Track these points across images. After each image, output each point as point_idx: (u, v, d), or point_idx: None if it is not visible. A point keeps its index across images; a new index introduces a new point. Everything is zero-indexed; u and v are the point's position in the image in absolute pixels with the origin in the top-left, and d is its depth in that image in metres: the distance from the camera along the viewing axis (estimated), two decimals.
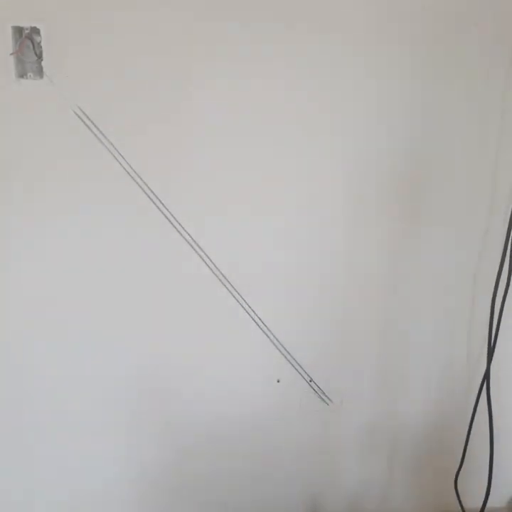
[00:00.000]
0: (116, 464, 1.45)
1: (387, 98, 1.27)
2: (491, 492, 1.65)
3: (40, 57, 1.14)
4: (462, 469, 1.54)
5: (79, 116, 1.17)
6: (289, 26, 1.19)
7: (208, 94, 1.21)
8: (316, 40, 1.20)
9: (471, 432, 1.48)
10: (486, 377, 1.41)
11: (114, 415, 1.40)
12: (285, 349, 1.40)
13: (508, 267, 1.32)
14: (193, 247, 1.29)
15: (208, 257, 1.31)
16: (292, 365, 1.42)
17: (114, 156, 1.21)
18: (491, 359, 1.40)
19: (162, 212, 1.26)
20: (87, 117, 1.18)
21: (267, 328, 1.38)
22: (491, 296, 1.35)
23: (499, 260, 1.33)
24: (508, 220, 1.28)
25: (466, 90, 1.28)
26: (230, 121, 1.23)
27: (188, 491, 1.52)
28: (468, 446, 1.50)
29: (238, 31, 1.18)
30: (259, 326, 1.37)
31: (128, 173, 1.22)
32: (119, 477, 1.46)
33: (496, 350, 1.40)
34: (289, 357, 1.41)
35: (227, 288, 1.33)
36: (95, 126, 1.19)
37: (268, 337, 1.39)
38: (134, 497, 1.49)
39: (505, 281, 1.34)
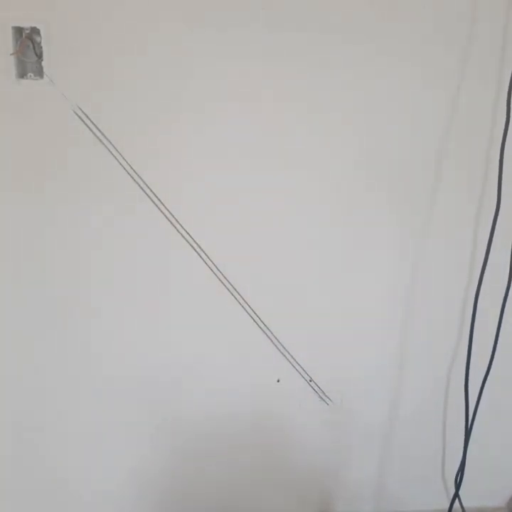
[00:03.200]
0: (115, 464, 1.45)
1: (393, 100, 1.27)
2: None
3: (40, 57, 1.14)
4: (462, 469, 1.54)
5: (79, 116, 1.17)
6: (290, 27, 1.19)
7: (208, 94, 1.21)
8: (319, 39, 1.20)
9: (472, 432, 1.48)
10: (486, 373, 1.43)
11: (114, 415, 1.41)
12: (285, 349, 1.41)
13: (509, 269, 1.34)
14: (193, 247, 1.29)
15: (208, 257, 1.31)
16: (292, 365, 1.42)
17: (114, 156, 1.21)
18: (492, 360, 1.41)
19: (162, 212, 1.26)
20: (87, 117, 1.18)
21: (267, 328, 1.38)
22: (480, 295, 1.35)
23: (499, 260, 1.34)
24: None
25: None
26: (230, 122, 1.23)
27: (188, 491, 1.52)
28: (468, 446, 1.50)
29: (239, 32, 1.18)
30: (259, 326, 1.37)
31: (128, 173, 1.22)
32: (117, 477, 1.47)
33: (496, 350, 1.40)
34: (289, 357, 1.41)
35: (227, 288, 1.33)
36: (95, 126, 1.19)
37: (268, 337, 1.39)
38: (133, 497, 1.49)
39: (507, 280, 1.35)
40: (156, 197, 1.25)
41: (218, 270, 1.31)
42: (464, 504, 1.56)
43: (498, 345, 1.40)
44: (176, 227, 1.27)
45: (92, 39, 1.14)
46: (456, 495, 1.55)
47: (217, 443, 1.48)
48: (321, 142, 1.28)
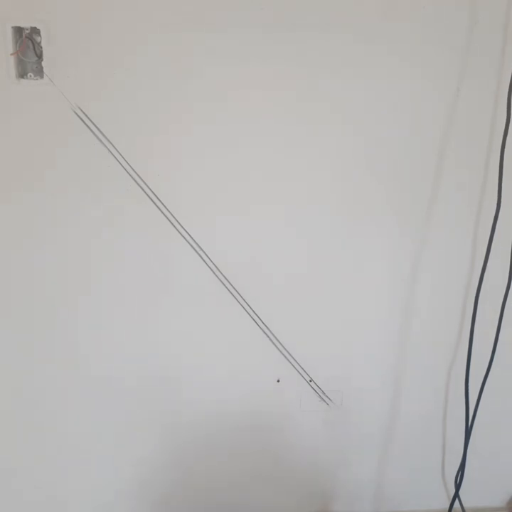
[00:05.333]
0: (115, 464, 1.45)
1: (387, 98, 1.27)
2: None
3: (40, 57, 1.14)
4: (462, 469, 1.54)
5: (79, 116, 1.18)
6: (290, 27, 1.19)
7: (208, 94, 1.21)
8: (319, 39, 1.20)
9: (472, 431, 1.48)
10: (487, 373, 1.43)
11: (113, 415, 1.41)
12: (285, 349, 1.41)
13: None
14: (193, 248, 1.29)
15: (209, 257, 1.31)
16: (292, 365, 1.42)
17: (114, 157, 1.21)
18: (492, 361, 1.41)
19: (163, 213, 1.26)
20: (87, 117, 1.18)
21: (267, 328, 1.38)
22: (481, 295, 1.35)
23: (499, 260, 1.34)
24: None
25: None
26: (230, 121, 1.23)
27: (188, 490, 1.52)
28: (468, 446, 1.50)
29: (239, 32, 1.18)
30: (259, 326, 1.37)
31: (128, 173, 1.22)
32: (117, 476, 1.47)
33: (496, 350, 1.40)
34: (289, 357, 1.41)
35: (227, 288, 1.33)
36: (95, 126, 1.19)
37: (268, 337, 1.39)
38: (133, 496, 1.49)
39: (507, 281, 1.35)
40: (156, 197, 1.25)
41: (218, 270, 1.31)
42: (464, 504, 1.56)
43: (498, 345, 1.40)
44: (175, 227, 1.27)
45: (92, 39, 1.14)
46: (456, 495, 1.55)
47: (217, 443, 1.48)
48: (321, 144, 1.28)
